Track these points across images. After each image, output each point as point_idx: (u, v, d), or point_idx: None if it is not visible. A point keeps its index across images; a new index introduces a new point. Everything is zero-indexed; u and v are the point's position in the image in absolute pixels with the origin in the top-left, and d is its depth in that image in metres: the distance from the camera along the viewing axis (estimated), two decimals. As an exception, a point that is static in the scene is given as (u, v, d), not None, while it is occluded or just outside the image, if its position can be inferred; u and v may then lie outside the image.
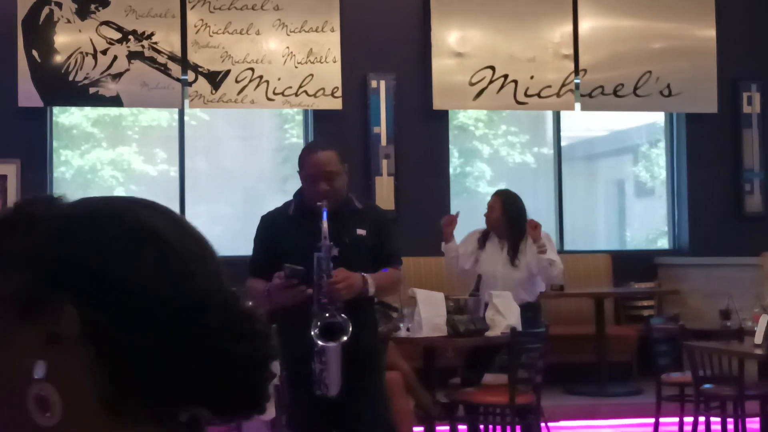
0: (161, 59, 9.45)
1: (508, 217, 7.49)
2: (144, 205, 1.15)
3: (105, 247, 1.08)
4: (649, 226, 11.51)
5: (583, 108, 10.31)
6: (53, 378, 1.04)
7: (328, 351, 4.48)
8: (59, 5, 9.33)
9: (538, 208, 10.66)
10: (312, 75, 9.69)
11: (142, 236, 1.10)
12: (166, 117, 10.23)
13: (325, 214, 4.56)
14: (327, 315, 4.50)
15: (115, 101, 9.44)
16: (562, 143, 10.78)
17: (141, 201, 1.16)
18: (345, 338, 4.47)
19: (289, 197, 4.98)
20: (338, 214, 4.71)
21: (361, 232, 4.78)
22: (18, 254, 1.08)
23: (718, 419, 7.29)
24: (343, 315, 4.50)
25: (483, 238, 7.55)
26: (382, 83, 9.85)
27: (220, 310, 1.09)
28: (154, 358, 1.06)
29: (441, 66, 9.98)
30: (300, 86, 9.67)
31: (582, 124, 11.27)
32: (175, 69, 9.48)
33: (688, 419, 7.34)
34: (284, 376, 4.78)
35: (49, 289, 1.06)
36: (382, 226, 4.91)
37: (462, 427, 7.21)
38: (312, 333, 4.48)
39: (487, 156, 11.10)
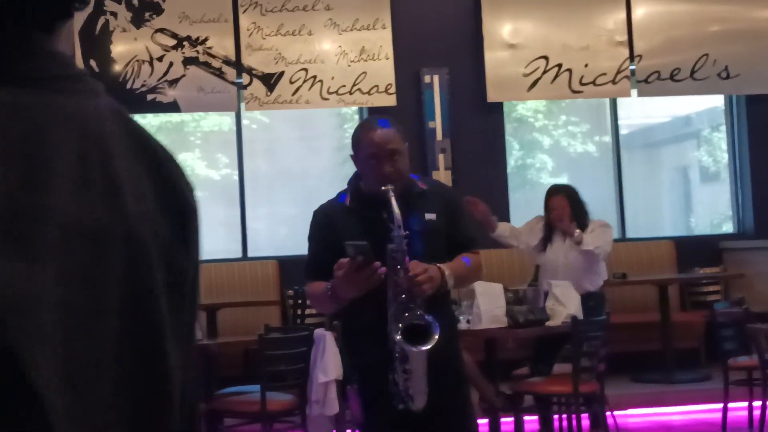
0: (216, 64, 9.54)
1: (577, 212, 7.49)
2: None
3: None
4: (713, 210, 11.39)
5: (640, 94, 10.21)
6: None
7: (413, 357, 3.85)
8: (114, 15, 9.46)
9: (601, 197, 10.62)
10: (365, 73, 9.72)
11: None
12: (227, 122, 10.33)
13: (393, 200, 3.89)
14: (407, 315, 3.82)
15: (173, 107, 9.56)
16: (624, 131, 10.71)
17: None
18: (433, 342, 3.82)
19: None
20: (403, 198, 3.99)
21: (430, 216, 4.09)
22: None
23: (787, 402, 7.20)
24: (428, 315, 3.84)
25: (548, 232, 7.53)
26: (436, 78, 9.83)
27: None
28: None
29: (494, 58, 9.94)
30: (354, 84, 9.70)
31: (643, 110, 11.18)
32: (230, 73, 9.57)
33: (757, 403, 7.27)
34: (355, 390, 4.11)
35: None
36: (453, 208, 4.22)
37: (528, 418, 7.21)
38: (395, 337, 3.82)
39: (548, 147, 11.07)
